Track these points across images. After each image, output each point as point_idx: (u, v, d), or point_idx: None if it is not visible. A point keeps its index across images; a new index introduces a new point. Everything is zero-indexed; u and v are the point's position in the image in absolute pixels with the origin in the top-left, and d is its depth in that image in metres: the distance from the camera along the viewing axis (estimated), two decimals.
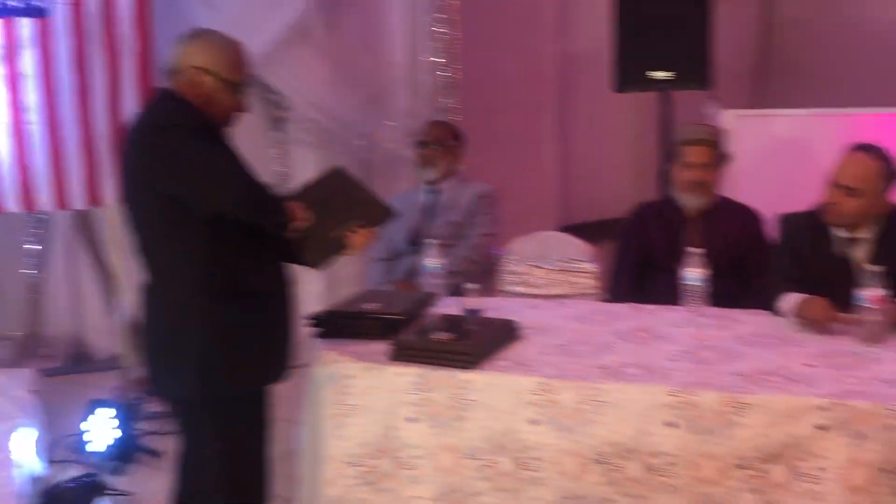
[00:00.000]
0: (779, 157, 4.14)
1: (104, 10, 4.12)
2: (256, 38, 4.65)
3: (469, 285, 2.74)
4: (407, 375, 2.42)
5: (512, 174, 5.75)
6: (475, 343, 2.46)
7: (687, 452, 2.19)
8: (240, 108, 2.53)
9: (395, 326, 2.62)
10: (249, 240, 2.42)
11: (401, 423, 2.42)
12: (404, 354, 2.47)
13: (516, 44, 5.97)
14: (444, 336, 2.48)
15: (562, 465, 2.29)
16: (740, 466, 2.15)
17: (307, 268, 2.65)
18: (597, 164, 6.83)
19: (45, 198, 4.18)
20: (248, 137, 4.84)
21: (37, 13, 4.02)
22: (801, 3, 6.91)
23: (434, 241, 3.24)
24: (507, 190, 5.47)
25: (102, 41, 4.13)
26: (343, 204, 2.56)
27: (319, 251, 2.55)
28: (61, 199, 4.21)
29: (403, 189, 4.33)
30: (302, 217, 2.45)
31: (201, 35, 2.53)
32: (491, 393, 2.35)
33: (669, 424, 2.20)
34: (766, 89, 6.82)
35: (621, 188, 6.73)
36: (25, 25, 4.02)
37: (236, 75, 2.48)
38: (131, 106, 4.20)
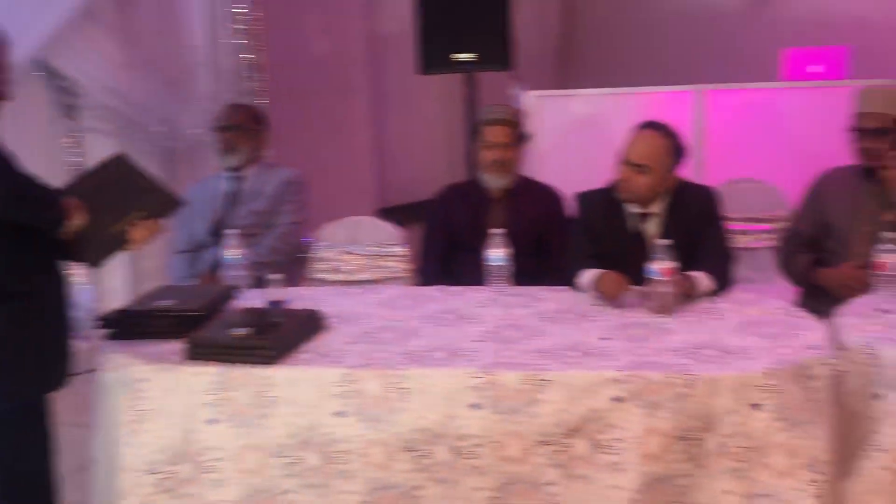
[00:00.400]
0: (579, 135, 4.25)
1: None
2: (41, 20, 4.33)
3: (273, 276, 2.64)
4: (204, 375, 2.29)
5: (326, 158, 5.65)
6: (276, 337, 2.36)
7: (492, 433, 2.18)
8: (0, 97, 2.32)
9: (190, 323, 2.47)
10: (17, 238, 2.22)
11: (200, 425, 2.28)
12: (200, 353, 2.33)
13: (323, 24, 5.83)
14: (242, 331, 2.37)
15: (370, 455, 2.24)
16: (544, 443, 2.16)
17: (87, 265, 2.47)
18: (410, 146, 6.81)
19: None
20: (36, 127, 4.54)
21: None
22: None
23: (235, 231, 3.11)
24: (321, 175, 5.37)
25: None
26: (123, 194, 2.38)
27: (98, 247, 2.37)
28: None
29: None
30: (77, 213, 2.26)
31: None
32: (294, 388, 2.26)
33: (474, 406, 2.19)
34: (569, 70, 7.02)
35: (436, 170, 6.76)
36: None
37: None
38: None
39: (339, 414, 2.24)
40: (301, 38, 5.61)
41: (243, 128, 3.65)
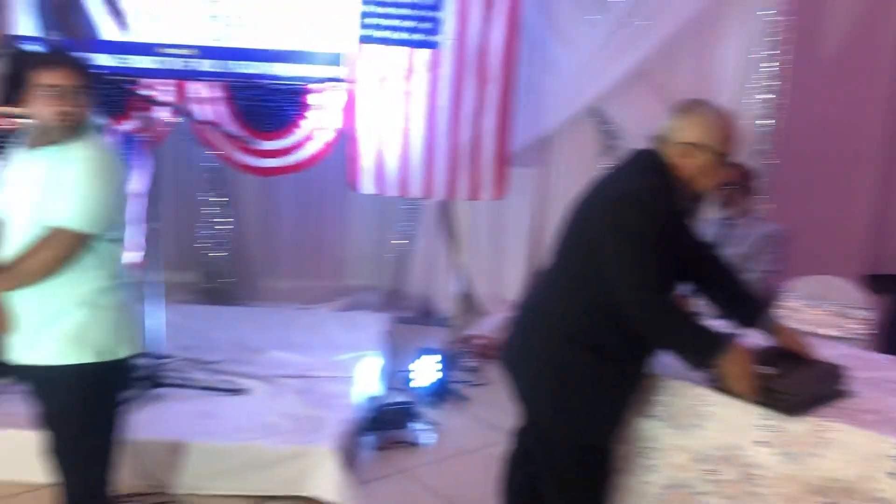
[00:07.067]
0: None
1: (481, 45, 4.47)
2: (603, 78, 4.78)
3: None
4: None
5: (822, 220, 5.31)
6: (799, 385, 2.15)
7: None
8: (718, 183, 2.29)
9: None
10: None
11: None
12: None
13: (844, 93, 5.41)
14: (768, 370, 2.17)
15: (781, 487, 2.17)
16: None
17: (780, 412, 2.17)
18: None
19: (416, 188, 4.65)
20: (581, 161, 5.03)
21: (430, 45, 4.47)
22: None
23: None
24: (814, 234, 5.06)
25: (476, 69, 4.48)
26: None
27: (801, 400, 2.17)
28: (428, 190, 4.66)
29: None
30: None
31: (696, 108, 2.22)
32: (726, 409, 2.27)
33: (891, 474, 1.99)
34: None
35: None
36: (420, 54, 4.49)
37: (728, 148, 2.19)
38: (490, 123, 4.52)
39: (760, 443, 2.20)
40: (821, 107, 5.31)
41: (740, 185, 3.64)
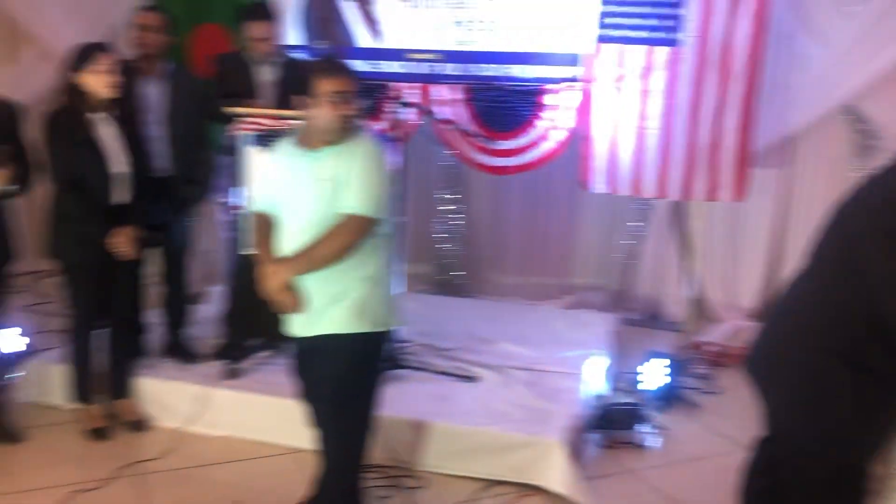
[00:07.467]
0: None
1: (725, 41, 4.32)
2: (861, 73, 4.46)
3: None
4: None
5: None
6: None
7: None
8: None
9: None
10: None
11: None
12: None
13: None
14: None
15: None
16: None
17: None
18: None
19: (650, 187, 4.59)
20: (829, 162, 4.71)
21: (671, 43, 4.40)
22: None
23: None
24: None
25: (718, 67, 4.34)
26: None
27: None
28: (662, 190, 4.59)
29: None
30: None
31: None
32: None
33: None
34: None
35: None
36: (660, 52, 4.43)
37: None
38: (732, 121, 4.37)
39: None
40: None
41: None
